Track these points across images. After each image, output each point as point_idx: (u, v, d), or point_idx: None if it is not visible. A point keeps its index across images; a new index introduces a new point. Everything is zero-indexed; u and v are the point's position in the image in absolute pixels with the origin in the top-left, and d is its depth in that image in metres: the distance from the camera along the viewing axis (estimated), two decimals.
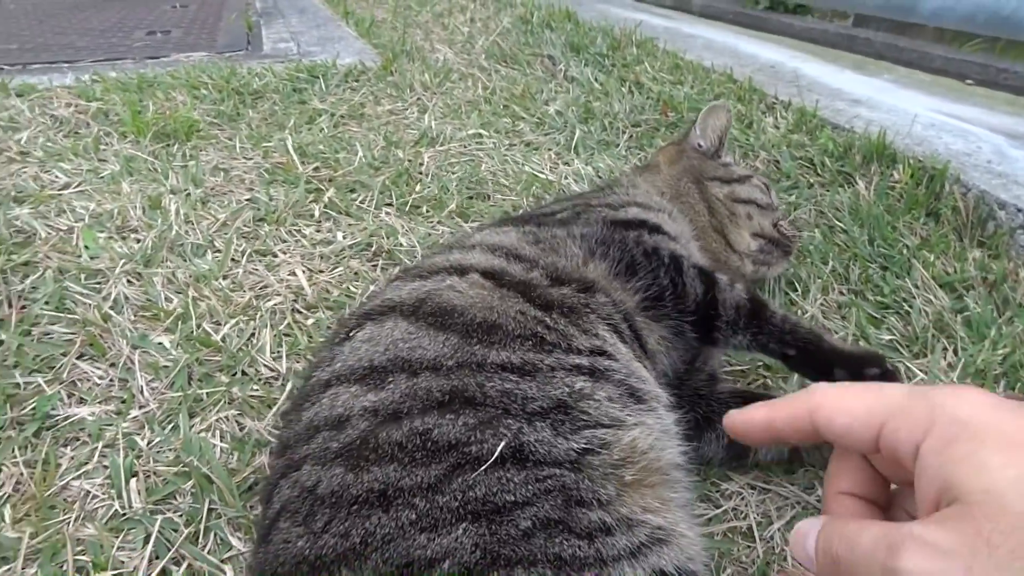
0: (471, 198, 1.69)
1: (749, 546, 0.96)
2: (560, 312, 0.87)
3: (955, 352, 1.24)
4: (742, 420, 0.59)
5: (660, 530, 0.71)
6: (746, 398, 1.08)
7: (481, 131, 2.05)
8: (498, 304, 0.84)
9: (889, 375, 0.96)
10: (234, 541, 0.88)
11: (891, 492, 0.56)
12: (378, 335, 0.82)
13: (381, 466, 0.68)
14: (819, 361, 0.99)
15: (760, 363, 1.24)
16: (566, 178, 1.79)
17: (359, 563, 0.62)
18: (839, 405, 0.50)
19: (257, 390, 1.09)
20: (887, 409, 0.47)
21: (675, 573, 0.68)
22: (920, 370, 1.21)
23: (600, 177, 1.81)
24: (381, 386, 0.75)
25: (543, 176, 1.79)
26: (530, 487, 0.67)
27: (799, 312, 1.32)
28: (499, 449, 0.69)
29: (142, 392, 1.06)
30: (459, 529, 0.63)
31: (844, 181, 1.72)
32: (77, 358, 1.10)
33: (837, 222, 1.57)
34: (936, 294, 1.36)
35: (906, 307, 1.34)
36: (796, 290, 1.38)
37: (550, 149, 1.97)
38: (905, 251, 1.46)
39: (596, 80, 2.48)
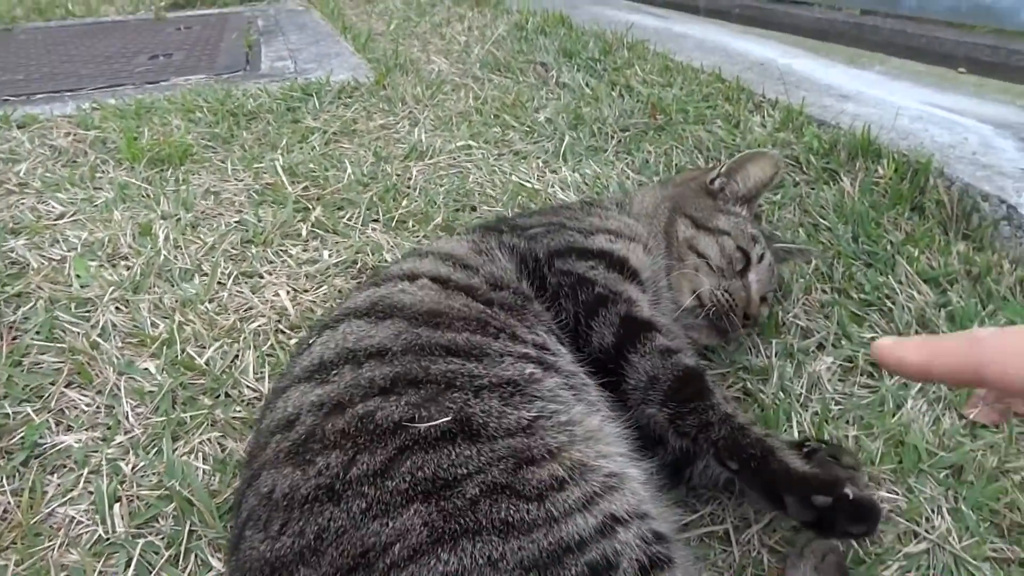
0: (457, 210, 1.71)
1: (725, 550, 0.96)
2: (501, 308, 0.90)
3: None
4: (895, 354, 0.54)
5: (612, 476, 0.74)
6: None
7: (471, 142, 2.07)
8: (444, 300, 0.88)
9: (841, 500, 0.79)
10: (214, 562, 0.91)
11: None
12: (332, 337, 0.85)
13: (325, 456, 0.70)
14: (765, 481, 0.83)
15: (741, 366, 1.25)
16: (552, 186, 1.80)
17: (316, 559, 0.65)
18: (1017, 360, 0.48)
19: (240, 411, 1.12)
20: None
21: (627, 517, 0.70)
22: None
23: (587, 184, 1.82)
24: (327, 380, 0.78)
25: (529, 185, 1.81)
26: (481, 457, 0.69)
27: (780, 315, 1.32)
28: (442, 421, 0.71)
29: (127, 418, 1.09)
30: (410, 510, 0.65)
31: (829, 178, 1.71)
32: (65, 386, 1.13)
33: (821, 220, 1.57)
34: (920, 289, 1.36)
35: (889, 304, 1.34)
36: (778, 290, 1.38)
37: (538, 157, 1.99)
38: (889, 247, 1.45)
39: (587, 85, 2.49)
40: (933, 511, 0.99)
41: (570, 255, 1.04)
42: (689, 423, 0.87)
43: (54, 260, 1.44)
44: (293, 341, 1.25)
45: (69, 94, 2.65)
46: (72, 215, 1.63)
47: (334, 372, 0.78)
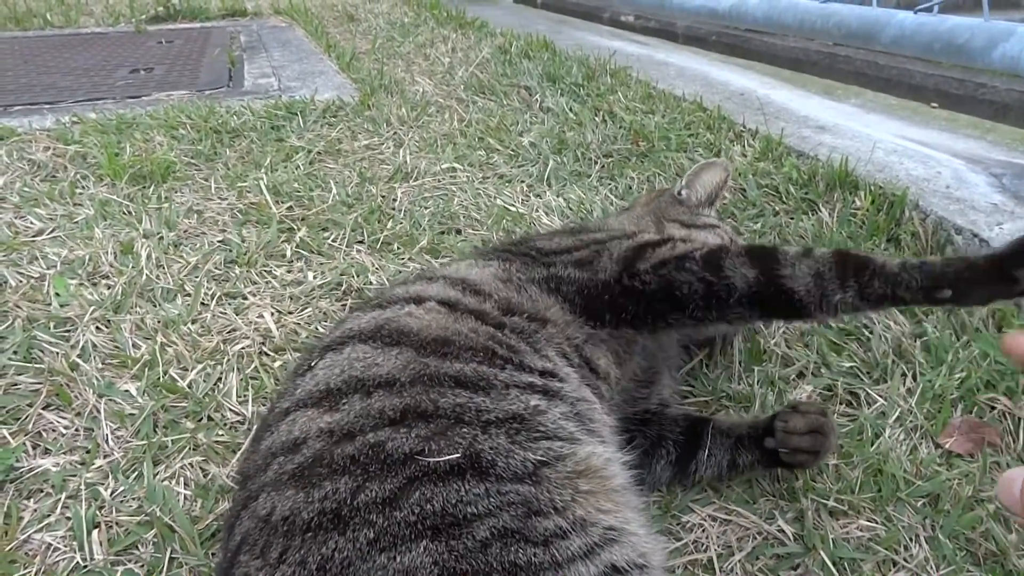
0: (442, 233, 1.72)
1: None
2: (512, 330, 0.90)
3: (914, 377, 1.26)
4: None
5: (612, 530, 0.74)
6: (696, 422, 1.10)
7: (455, 165, 2.09)
8: (452, 324, 0.88)
9: None
10: None
11: None
12: (336, 361, 0.84)
13: (333, 480, 0.69)
14: (982, 279, 0.82)
15: (723, 394, 1.26)
16: (537, 211, 1.82)
17: None
18: None
19: (223, 435, 1.11)
20: None
21: (627, 567, 0.71)
22: (880, 396, 1.24)
23: (571, 209, 1.84)
24: (336, 408, 0.77)
25: (514, 209, 1.82)
26: (491, 499, 0.69)
27: (760, 343, 1.34)
28: (452, 457, 0.71)
29: (107, 441, 1.07)
30: (419, 547, 0.64)
31: (808, 208, 1.75)
32: (43, 408, 1.11)
33: None
34: (896, 320, 1.39)
35: (867, 333, 1.36)
36: None
37: (523, 181, 2.00)
38: None
39: (571, 110, 2.52)
40: (911, 539, 1.01)
41: (642, 254, 1.02)
42: (877, 287, 0.87)
43: (32, 278, 1.42)
44: (277, 364, 1.24)
45: (48, 107, 2.62)
46: (51, 231, 1.60)
47: (343, 401, 0.77)
